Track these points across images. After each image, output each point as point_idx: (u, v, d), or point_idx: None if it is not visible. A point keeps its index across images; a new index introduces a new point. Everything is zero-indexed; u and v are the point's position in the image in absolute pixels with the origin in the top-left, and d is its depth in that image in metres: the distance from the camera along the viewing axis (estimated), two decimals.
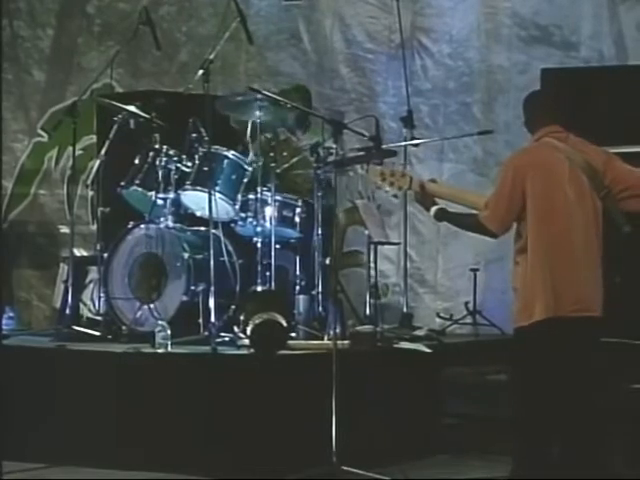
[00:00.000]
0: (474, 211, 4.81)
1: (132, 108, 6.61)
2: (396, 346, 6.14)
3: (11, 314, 6.71)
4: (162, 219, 6.49)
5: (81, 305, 6.94)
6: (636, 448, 5.41)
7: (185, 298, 6.25)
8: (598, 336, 4.69)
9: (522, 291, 4.62)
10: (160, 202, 6.50)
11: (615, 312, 4.74)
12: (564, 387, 4.57)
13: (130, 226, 6.52)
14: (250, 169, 6.50)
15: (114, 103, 6.77)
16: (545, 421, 4.58)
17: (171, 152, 6.53)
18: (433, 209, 4.85)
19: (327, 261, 6.40)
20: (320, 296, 6.35)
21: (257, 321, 5.76)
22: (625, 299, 5.36)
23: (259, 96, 6.34)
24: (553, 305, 4.54)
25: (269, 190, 6.43)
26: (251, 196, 6.48)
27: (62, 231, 8.54)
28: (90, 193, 8.06)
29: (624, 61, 7.20)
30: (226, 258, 6.34)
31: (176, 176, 6.51)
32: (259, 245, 6.39)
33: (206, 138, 6.39)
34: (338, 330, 5.77)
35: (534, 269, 4.57)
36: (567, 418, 4.57)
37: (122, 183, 6.59)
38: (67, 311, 6.58)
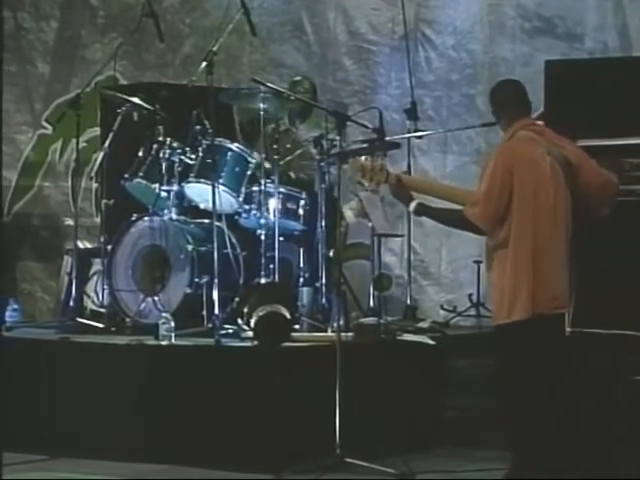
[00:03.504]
0: (452, 205, 4.77)
1: (136, 100, 6.62)
2: (400, 338, 6.14)
3: (15, 306, 6.72)
4: (166, 211, 6.50)
5: (85, 297, 6.95)
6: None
7: (189, 290, 6.26)
8: (565, 330, 4.73)
9: (503, 287, 4.59)
10: (164, 194, 6.51)
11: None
12: (545, 381, 4.58)
13: (134, 218, 6.52)
14: (254, 161, 6.51)
15: (118, 95, 6.77)
16: (529, 416, 4.58)
17: (175, 144, 6.53)
18: (412, 204, 4.79)
19: (331, 253, 6.40)
20: (324, 288, 6.36)
21: (261, 313, 5.77)
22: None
23: (263, 88, 6.33)
24: (535, 303, 4.55)
25: (273, 182, 6.43)
26: (255, 188, 6.48)
27: (66, 223, 8.55)
28: (94, 185, 8.05)
29: (628, 52, 7.18)
30: (230, 250, 6.34)
31: (180, 168, 6.51)
32: (263, 237, 6.40)
33: (210, 130, 6.39)
34: (342, 322, 5.78)
35: (517, 266, 4.55)
36: (551, 412, 4.58)
37: (126, 175, 6.59)
38: (71, 303, 6.60)
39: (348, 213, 6.62)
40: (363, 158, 5.02)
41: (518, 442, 4.63)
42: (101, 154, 6.67)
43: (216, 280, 5.98)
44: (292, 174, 6.71)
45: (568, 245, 4.65)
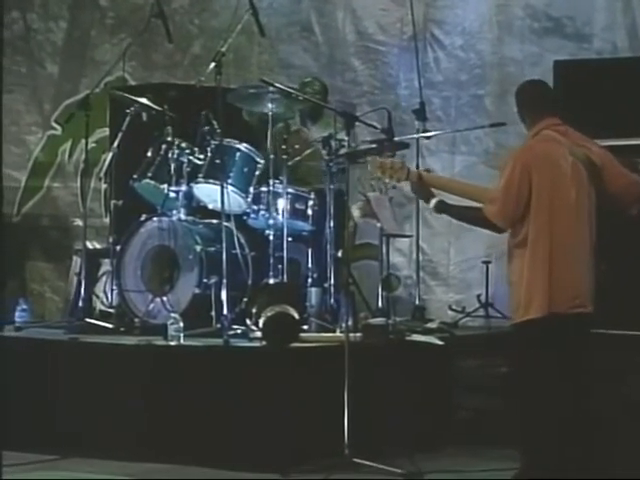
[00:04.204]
0: (473, 203, 4.79)
1: (144, 101, 6.63)
2: (408, 338, 6.14)
3: (24, 306, 6.72)
4: (174, 212, 6.51)
5: (94, 297, 6.96)
6: None
7: (197, 291, 6.26)
8: (589, 331, 4.69)
9: (521, 286, 4.60)
10: (172, 195, 6.51)
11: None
12: (562, 382, 4.57)
13: (143, 219, 6.53)
14: (262, 162, 6.51)
15: (127, 96, 6.78)
16: (542, 416, 4.57)
17: (183, 145, 6.54)
18: (433, 201, 4.81)
19: (339, 254, 6.40)
20: (332, 288, 6.36)
21: (269, 313, 5.77)
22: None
23: (271, 88, 6.34)
24: (551, 302, 4.54)
25: (281, 182, 6.43)
26: (263, 188, 6.48)
27: (75, 224, 8.57)
28: (103, 186, 8.08)
29: (637, 52, 7.17)
30: (238, 251, 6.35)
31: (188, 169, 6.52)
32: (271, 238, 6.40)
33: (218, 131, 6.40)
34: (350, 322, 5.78)
35: (535, 265, 4.56)
36: (568, 414, 4.57)
37: (135, 176, 6.60)
38: (80, 303, 6.60)
39: (356, 213, 6.64)
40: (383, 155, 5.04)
41: (530, 442, 4.61)
42: (110, 154, 6.68)
43: (225, 280, 5.99)
44: (310, 172, 6.69)
45: (593, 245, 4.65)
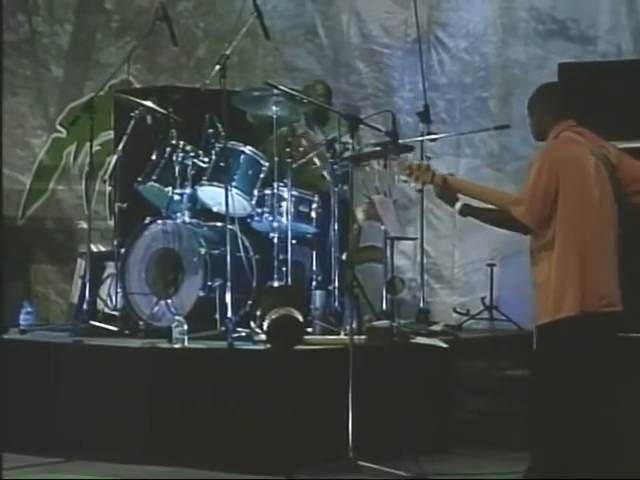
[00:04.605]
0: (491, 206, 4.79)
1: (149, 103, 6.63)
2: (412, 341, 6.14)
3: (29, 309, 6.72)
4: (179, 214, 6.51)
5: (98, 300, 6.96)
6: None
7: (202, 293, 6.26)
8: (619, 331, 4.70)
9: (548, 286, 4.59)
10: (177, 198, 6.52)
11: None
12: (591, 382, 4.57)
13: (147, 221, 6.54)
14: (266, 164, 6.52)
15: (131, 98, 6.79)
16: (571, 418, 4.56)
17: (188, 148, 6.54)
18: (458, 204, 4.80)
19: (343, 256, 6.40)
20: (336, 291, 6.36)
21: (274, 316, 5.77)
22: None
23: (276, 91, 6.34)
24: (583, 301, 4.55)
25: (285, 185, 6.43)
26: (267, 191, 6.49)
27: (80, 226, 8.57)
28: (108, 188, 8.09)
29: None
30: (243, 253, 6.35)
31: (193, 172, 6.52)
32: (275, 240, 6.40)
33: (223, 133, 6.40)
34: (354, 325, 5.77)
35: (564, 265, 4.56)
36: (596, 414, 4.56)
37: (139, 179, 6.61)
38: (84, 306, 6.61)
39: (360, 216, 6.64)
40: (410, 157, 5.03)
41: (545, 444, 4.59)
42: (115, 157, 6.69)
43: (229, 283, 5.99)
44: (314, 175, 6.68)
45: (616, 245, 4.66)
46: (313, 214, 6.52)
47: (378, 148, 6.51)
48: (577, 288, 4.55)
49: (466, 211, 4.82)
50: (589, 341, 4.57)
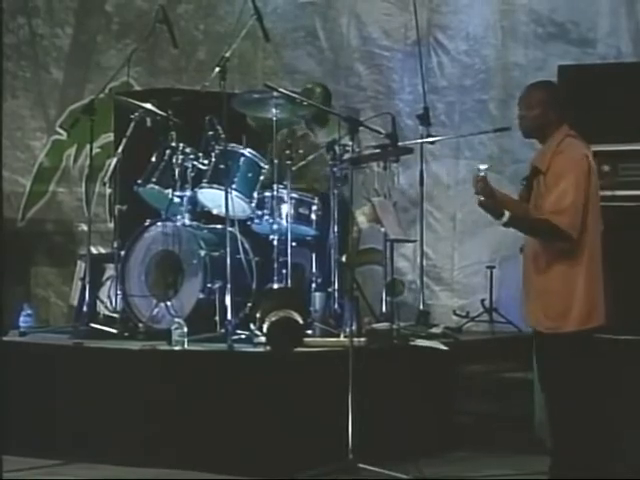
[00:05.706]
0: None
1: (149, 106, 6.63)
2: (412, 343, 6.14)
3: (29, 311, 6.72)
4: (179, 217, 6.52)
5: (98, 302, 6.95)
6: None
7: (201, 295, 6.26)
8: None
9: (567, 295, 4.55)
10: (177, 200, 6.52)
11: None
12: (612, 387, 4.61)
13: (147, 224, 6.54)
14: (266, 167, 6.52)
15: (131, 101, 6.79)
16: (592, 421, 4.57)
17: (188, 150, 6.55)
18: (506, 216, 4.61)
19: (343, 258, 6.40)
20: (336, 293, 6.36)
21: (273, 318, 5.78)
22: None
23: (275, 94, 6.35)
24: (603, 311, 4.59)
25: (285, 187, 6.44)
26: (267, 194, 6.49)
27: (80, 229, 8.58)
28: (108, 191, 8.09)
29: None
30: (242, 256, 6.35)
31: (193, 174, 6.53)
32: (275, 242, 6.40)
33: (222, 136, 6.40)
34: (354, 327, 5.77)
35: (594, 273, 4.56)
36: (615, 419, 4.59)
37: (139, 181, 6.61)
38: (84, 308, 6.61)
39: (361, 218, 6.63)
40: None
41: (571, 443, 4.58)
42: (114, 160, 6.69)
43: (229, 285, 5.99)
44: (314, 177, 6.68)
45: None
46: (313, 216, 6.52)
47: (378, 150, 6.52)
48: (603, 298, 4.58)
49: (510, 222, 4.68)
50: (598, 350, 4.61)
